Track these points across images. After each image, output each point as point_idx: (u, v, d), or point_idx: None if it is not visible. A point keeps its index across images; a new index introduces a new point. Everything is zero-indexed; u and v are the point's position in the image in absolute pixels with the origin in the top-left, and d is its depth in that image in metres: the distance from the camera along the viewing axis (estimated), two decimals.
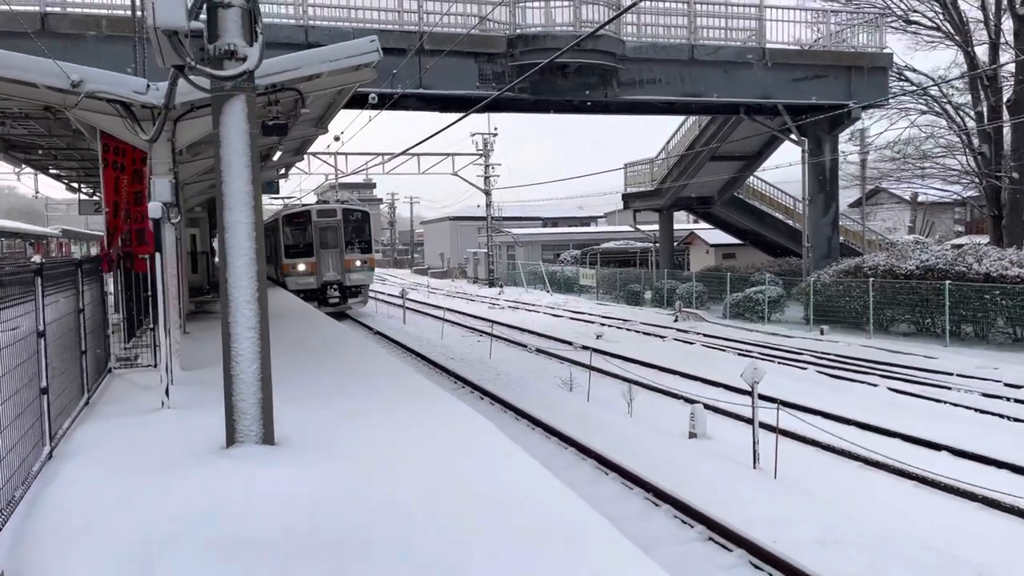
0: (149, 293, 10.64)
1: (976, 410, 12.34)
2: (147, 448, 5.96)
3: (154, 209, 7.11)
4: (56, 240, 57.32)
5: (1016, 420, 11.66)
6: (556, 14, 21.00)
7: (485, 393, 14.25)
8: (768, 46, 23.12)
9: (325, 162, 42.45)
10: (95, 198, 23.89)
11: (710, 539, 7.31)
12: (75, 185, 22.10)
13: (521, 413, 12.46)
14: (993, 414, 12.07)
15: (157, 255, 7.60)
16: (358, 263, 28.69)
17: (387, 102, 19.33)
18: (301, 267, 27.79)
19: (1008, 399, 12.98)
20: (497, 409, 13.03)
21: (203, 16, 5.58)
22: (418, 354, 19.43)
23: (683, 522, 7.74)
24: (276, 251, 28.32)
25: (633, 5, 19.22)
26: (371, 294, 32.49)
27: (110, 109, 8.55)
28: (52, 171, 19.66)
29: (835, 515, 7.63)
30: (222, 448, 5.73)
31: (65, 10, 17.58)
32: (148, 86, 8.18)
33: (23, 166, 21.84)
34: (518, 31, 20.76)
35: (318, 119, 13.48)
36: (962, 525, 7.69)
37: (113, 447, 6.03)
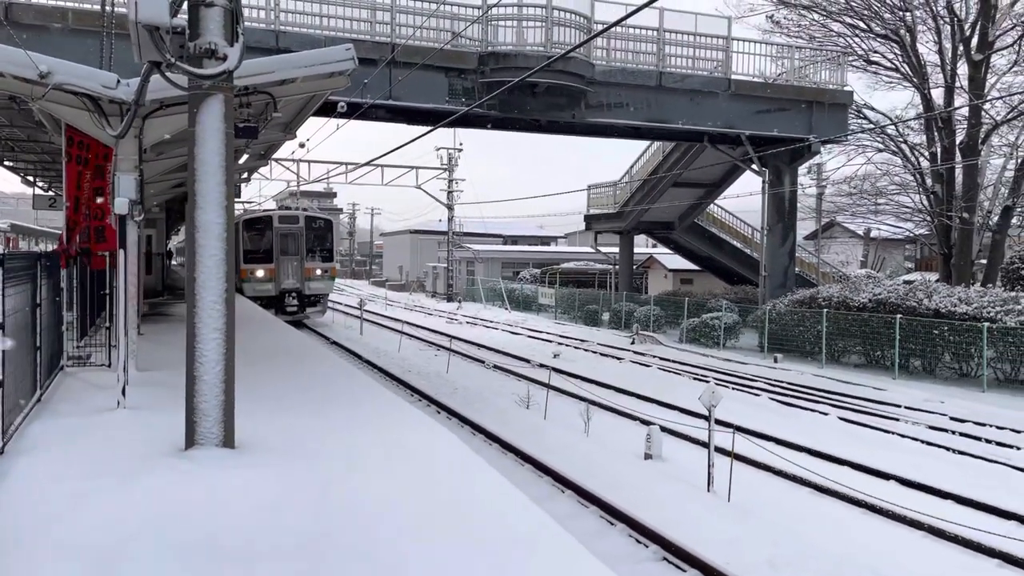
0: (106, 291, 10.46)
1: (923, 442, 12.65)
2: (103, 447, 5.84)
3: (121, 205, 7.00)
4: (4, 235, 55.82)
5: (960, 452, 11.96)
6: (528, 34, 21.18)
7: (442, 407, 14.20)
8: (734, 77, 23.59)
9: (288, 168, 42.13)
10: (50, 193, 23.41)
11: (664, 559, 7.37)
12: (31, 178, 21.62)
13: (478, 428, 12.44)
14: (938, 446, 12.36)
15: (120, 252, 7.47)
16: (318, 272, 28.14)
17: (356, 111, 19.28)
18: (260, 273, 27.16)
19: (953, 432, 13.31)
20: (454, 423, 12.99)
21: (184, 14, 5.55)
22: (375, 366, 19.31)
23: (638, 541, 7.79)
24: (235, 255, 27.69)
25: (605, 30, 19.47)
26: (328, 304, 32.08)
27: (77, 102, 8.40)
28: (8, 163, 19.22)
29: (787, 539, 7.76)
30: (181, 450, 5.65)
31: (30, 1, 17.28)
32: (118, 81, 8.06)
33: None
34: (490, 48, 20.89)
35: (287, 124, 13.39)
36: (910, 552, 7.86)
37: (68, 446, 5.89)
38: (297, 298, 27.67)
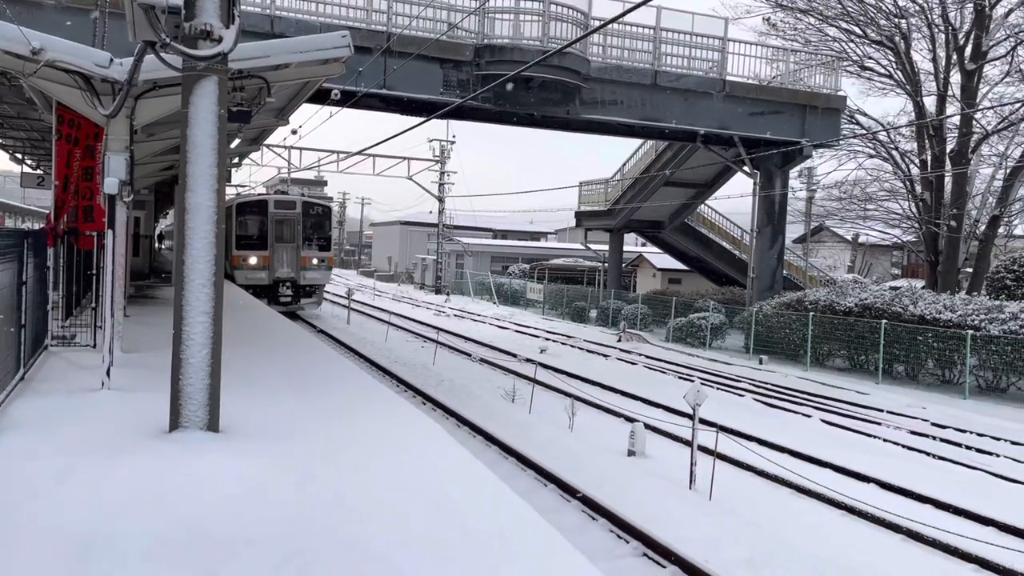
0: (93, 272, 10.39)
1: (904, 446, 12.74)
2: (86, 427, 5.81)
3: (111, 185, 6.95)
4: None
5: (940, 458, 12.06)
6: (524, 28, 21.16)
7: (427, 399, 14.20)
8: (728, 78, 23.64)
9: (279, 155, 41.96)
10: (39, 171, 23.24)
11: (644, 555, 7.40)
12: (19, 156, 21.45)
13: (463, 420, 12.44)
14: (919, 451, 12.47)
15: (108, 232, 7.42)
16: (315, 261, 26.79)
17: (350, 99, 19.23)
18: (253, 260, 25.82)
19: (934, 438, 13.41)
20: (439, 415, 12.99)
21: None
22: (361, 355, 19.27)
23: (619, 537, 7.82)
24: (227, 241, 25.32)
25: (602, 27, 19.45)
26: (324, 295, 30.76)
27: (69, 80, 8.32)
28: None
29: (766, 538, 7.81)
30: (165, 432, 5.63)
31: None
32: (111, 60, 8.00)
33: None
34: (486, 41, 20.85)
35: (280, 110, 13.33)
36: (888, 555, 7.93)
37: (50, 425, 5.86)
38: (292, 288, 26.36)
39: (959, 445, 12.98)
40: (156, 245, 37.57)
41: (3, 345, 6.53)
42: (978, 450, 12.68)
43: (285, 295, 26.16)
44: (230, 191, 38.79)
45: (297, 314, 27.06)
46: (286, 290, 26.24)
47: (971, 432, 13.79)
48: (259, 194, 30.48)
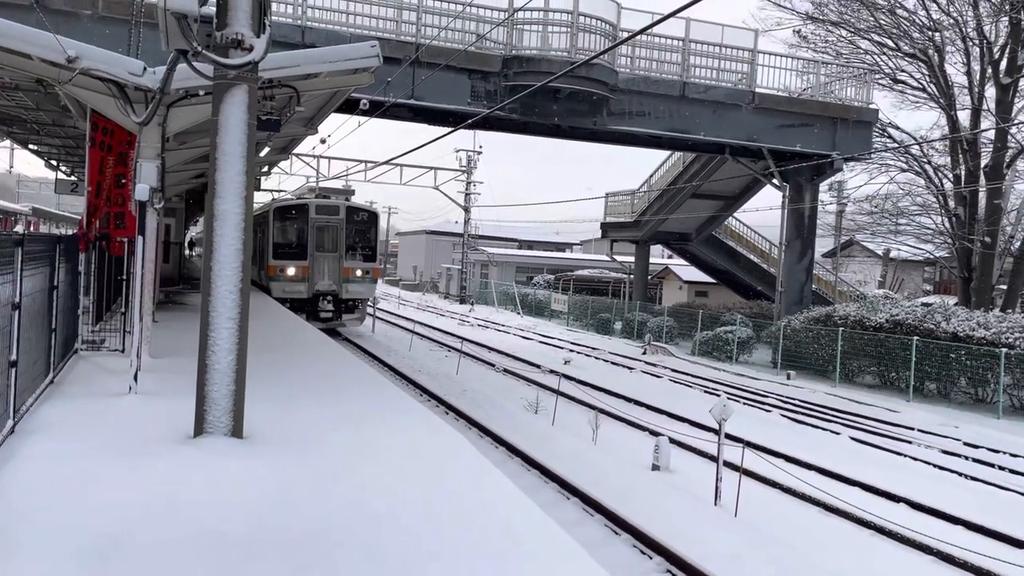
0: (124, 277, 10.51)
1: (935, 466, 12.52)
2: (113, 431, 5.86)
3: (141, 191, 7.03)
4: (25, 218, 56.35)
5: (972, 479, 11.83)
6: (552, 39, 21.18)
7: (451, 408, 14.19)
8: (758, 90, 23.49)
9: (307, 164, 42.32)
10: (72, 178, 23.64)
11: (668, 571, 7.31)
12: (54, 163, 21.82)
13: (485, 431, 12.41)
14: (951, 471, 12.24)
15: (139, 238, 7.50)
16: (359, 273, 24.22)
17: (378, 109, 19.35)
18: (291, 271, 23.40)
19: (966, 458, 13.16)
20: (462, 425, 12.97)
21: (212, 4, 5.56)
22: (386, 364, 19.31)
23: (642, 552, 7.74)
24: (262, 249, 23.93)
25: (630, 38, 19.44)
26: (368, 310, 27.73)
27: (103, 88, 8.44)
28: (32, 147, 19.40)
29: (792, 557, 7.68)
30: (189, 437, 5.65)
31: None
32: (144, 68, 8.10)
33: (3, 139, 21.55)
34: (514, 52, 20.90)
35: (309, 119, 13.43)
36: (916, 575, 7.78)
37: (78, 428, 5.91)
38: (333, 303, 23.86)
39: (992, 465, 12.73)
40: (187, 252, 37.86)
41: (34, 348, 6.60)
42: (1012, 471, 12.43)
43: (326, 310, 23.80)
44: (265, 197, 38.23)
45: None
46: (327, 305, 23.83)
47: (1004, 452, 13.51)
48: (299, 197, 27.67)
